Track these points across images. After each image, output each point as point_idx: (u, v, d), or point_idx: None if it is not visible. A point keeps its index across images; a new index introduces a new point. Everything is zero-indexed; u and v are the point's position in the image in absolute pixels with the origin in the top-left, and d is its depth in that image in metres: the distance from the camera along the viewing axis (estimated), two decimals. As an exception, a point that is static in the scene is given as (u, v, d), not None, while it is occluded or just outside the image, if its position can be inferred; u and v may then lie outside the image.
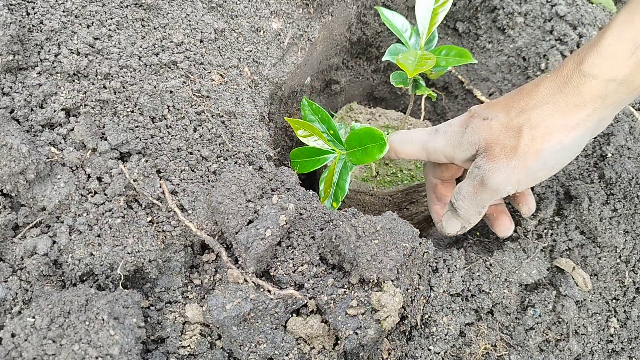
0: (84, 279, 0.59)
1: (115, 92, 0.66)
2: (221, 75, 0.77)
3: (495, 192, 0.61)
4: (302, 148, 0.79)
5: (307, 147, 0.78)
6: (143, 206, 0.62)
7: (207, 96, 0.73)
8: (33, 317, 0.51)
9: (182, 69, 0.73)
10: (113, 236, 0.59)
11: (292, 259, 0.63)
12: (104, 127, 0.63)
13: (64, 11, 0.68)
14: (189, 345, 0.59)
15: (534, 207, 0.72)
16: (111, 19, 0.71)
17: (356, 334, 0.56)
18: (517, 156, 0.59)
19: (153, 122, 0.67)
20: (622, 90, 0.55)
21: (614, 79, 0.54)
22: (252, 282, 0.60)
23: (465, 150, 0.64)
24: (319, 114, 0.78)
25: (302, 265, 0.62)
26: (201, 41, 0.78)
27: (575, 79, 0.56)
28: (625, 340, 0.72)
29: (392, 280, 0.58)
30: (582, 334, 0.70)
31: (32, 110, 0.61)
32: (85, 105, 0.64)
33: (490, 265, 0.70)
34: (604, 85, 0.55)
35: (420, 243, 0.64)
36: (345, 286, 0.60)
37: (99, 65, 0.66)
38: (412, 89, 0.84)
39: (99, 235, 0.59)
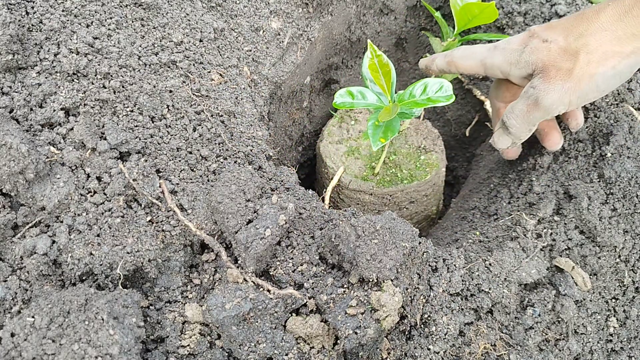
0: (84, 278, 0.59)
1: (114, 92, 0.66)
2: (221, 74, 0.77)
3: (548, 112, 0.65)
4: (351, 88, 0.77)
5: (358, 87, 0.77)
6: (142, 206, 0.62)
7: (207, 96, 0.73)
8: (33, 317, 0.51)
9: (181, 68, 0.73)
10: (112, 236, 0.59)
11: (292, 258, 0.63)
12: (103, 126, 0.63)
13: (63, 11, 0.68)
14: (188, 345, 0.59)
15: (582, 122, 0.76)
16: (110, 18, 0.70)
17: (356, 333, 0.56)
18: (572, 79, 0.62)
19: (152, 122, 0.67)
20: None
21: None
22: (252, 281, 0.60)
23: (521, 69, 0.67)
24: (384, 68, 0.76)
25: (301, 265, 0.62)
26: (201, 41, 0.78)
27: (636, 10, 0.59)
28: (625, 339, 0.72)
29: (391, 280, 0.58)
30: (581, 334, 0.70)
31: (31, 109, 0.61)
32: (84, 104, 0.64)
33: (490, 264, 0.70)
34: None
35: (419, 243, 0.64)
36: (345, 286, 0.60)
37: (99, 65, 0.66)
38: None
39: (98, 235, 0.59)
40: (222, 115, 0.73)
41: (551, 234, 0.74)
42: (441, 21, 0.90)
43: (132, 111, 0.66)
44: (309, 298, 0.60)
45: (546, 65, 0.64)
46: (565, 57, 0.63)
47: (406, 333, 0.64)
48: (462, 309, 0.67)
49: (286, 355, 0.58)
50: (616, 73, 0.62)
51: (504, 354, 0.66)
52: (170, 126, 0.68)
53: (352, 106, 0.75)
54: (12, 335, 0.50)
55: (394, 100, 0.76)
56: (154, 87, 0.69)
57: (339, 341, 0.57)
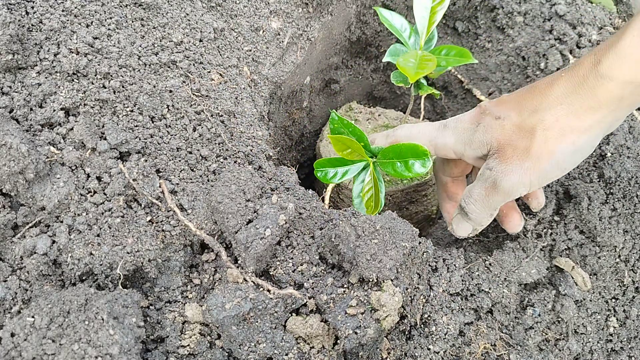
0: (84, 278, 0.59)
1: (114, 92, 0.66)
2: (220, 74, 0.77)
3: (508, 195, 0.61)
4: (330, 158, 0.77)
5: (335, 157, 0.76)
6: (142, 206, 0.62)
7: (207, 95, 0.73)
8: (32, 317, 0.51)
9: (181, 68, 0.73)
10: (112, 236, 0.59)
11: (292, 258, 0.63)
12: (103, 126, 0.63)
13: (63, 10, 0.68)
14: (188, 345, 0.59)
15: (543, 201, 0.72)
16: (110, 18, 0.70)
17: (356, 333, 0.56)
18: (530, 158, 0.58)
19: (152, 122, 0.67)
20: (639, 92, 0.54)
21: (631, 81, 0.53)
22: (252, 281, 0.60)
23: (476, 149, 0.63)
24: (349, 128, 0.76)
25: (301, 265, 0.62)
26: (200, 40, 0.78)
27: (591, 80, 0.55)
28: (625, 339, 0.72)
29: (391, 280, 0.58)
30: (581, 334, 0.70)
31: (31, 109, 0.61)
32: (84, 104, 0.64)
33: (490, 264, 0.70)
34: (622, 88, 0.54)
35: (419, 242, 0.64)
36: (345, 286, 0.60)
37: (99, 65, 0.66)
38: (414, 89, 0.83)
39: (98, 235, 0.59)
40: (222, 115, 0.73)
41: (551, 234, 0.74)
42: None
43: (132, 111, 0.66)
44: (309, 298, 0.60)
45: (502, 144, 0.60)
46: (520, 134, 0.59)
47: (406, 333, 0.64)
48: (462, 309, 0.67)
49: (286, 355, 0.58)
50: (576, 149, 0.57)
51: (504, 354, 0.66)
52: (170, 126, 0.68)
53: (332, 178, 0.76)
54: (12, 335, 0.50)
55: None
56: (154, 87, 0.69)
57: (339, 341, 0.57)
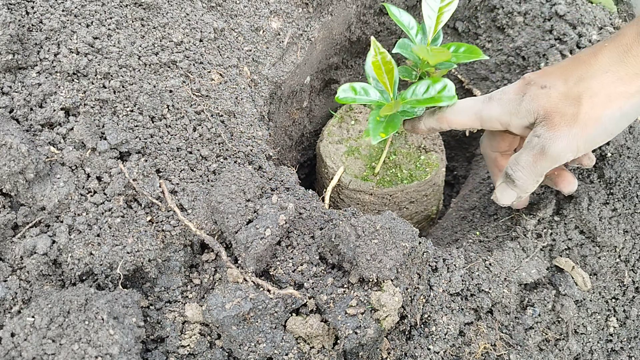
0: (84, 278, 0.59)
1: (114, 92, 0.66)
2: (221, 74, 0.77)
3: (556, 160, 0.62)
4: (354, 84, 0.76)
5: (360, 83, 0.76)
6: (142, 206, 0.62)
7: (207, 95, 0.73)
8: (33, 317, 0.51)
9: (181, 68, 0.73)
10: (113, 236, 0.59)
11: (292, 258, 0.63)
12: (103, 126, 0.63)
13: (63, 10, 0.68)
14: (188, 345, 0.59)
15: (594, 159, 0.73)
16: (110, 18, 0.70)
17: (356, 333, 0.56)
18: (577, 124, 0.60)
19: (152, 122, 0.67)
20: None
21: None
22: (252, 281, 0.60)
23: (523, 118, 0.65)
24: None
25: (301, 265, 0.62)
26: (201, 40, 0.78)
27: (636, 49, 0.58)
28: (625, 339, 0.72)
29: (391, 280, 0.58)
30: (581, 334, 0.70)
31: (31, 109, 0.61)
32: (84, 104, 0.64)
33: (490, 264, 0.70)
34: None
35: (419, 242, 0.64)
36: (345, 286, 0.60)
37: (99, 65, 0.66)
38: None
39: (98, 235, 0.59)
40: (222, 115, 0.73)
41: (551, 234, 0.74)
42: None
43: (132, 111, 0.66)
44: (309, 298, 0.60)
45: (549, 112, 0.62)
46: (567, 102, 0.61)
47: (406, 333, 0.64)
48: (462, 309, 0.67)
49: (286, 355, 0.58)
50: (623, 114, 0.59)
51: (504, 354, 0.66)
52: (170, 126, 0.68)
53: (354, 101, 0.75)
54: (12, 335, 0.50)
55: (396, 98, 0.76)
56: (154, 87, 0.69)
57: (339, 341, 0.57)
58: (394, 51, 0.80)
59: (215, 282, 0.64)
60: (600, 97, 0.59)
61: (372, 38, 0.74)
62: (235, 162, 0.71)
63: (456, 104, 0.72)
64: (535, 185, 0.66)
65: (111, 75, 0.66)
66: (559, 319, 0.69)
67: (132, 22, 0.72)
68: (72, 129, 0.62)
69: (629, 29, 0.59)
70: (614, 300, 0.73)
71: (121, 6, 0.72)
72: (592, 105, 0.59)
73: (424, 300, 0.65)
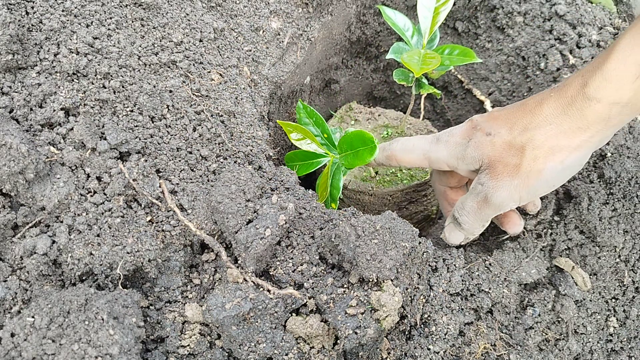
0: (84, 278, 0.59)
1: (114, 92, 0.66)
2: (220, 74, 0.77)
3: (499, 208, 0.63)
4: (297, 151, 0.79)
5: (301, 150, 0.78)
6: (142, 206, 0.62)
7: (207, 95, 0.73)
8: (32, 317, 0.51)
9: (181, 68, 0.73)
10: (112, 236, 0.59)
11: (292, 258, 0.63)
12: (103, 126, 0.63)
13: (63, 10, 0.68)
14: (188, 345, 0.59)
15: (539, 204, 0.74)
16: (110, 18, 0.70)
17: (356, 333, 0.56)
18: (519, 175, 0.60)
19: (152, 122, 0.67)
20: (625, 112, 0.56)
21: (617, 102, 0.55)
22: (252, 281, 0.60)
23: (468, 164, 0.66)
24: (313, 117, 0.78)
25: (301, 265, 0.62)
26: (200, 40, 0.78)
27: (579, 102, 0.57)
28: (625, 339, 0.72)
29: (391, 280, 0.58)
30: (581, 334, 0.70)
31: (31, 109, 0.61)
32: (84, 104, 0.64)
33: (490, 264, 0.70)
34: (608, 109, 0.55)
35: (419, 242, 0.64)
36: (345, 286, 0.60)
37: (99, 65, 0.66)
38: (415, 88, 0.84)
39: (98, 235, 0.59)
40: (222, 115, 0.73)
41: (551, 234, 0.74)
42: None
43: (132, 111, 0.66)
44: (309, 298, 0.60)
45: (492, 160, 0.62)
46: (511, 152, 0.61)
47: (406, 333, 0.64)
48: (462, 309, 0.67)
49: (286, 355, 0.58)
50: (565, 167, 0.59)
51: (504, 354, 0.66)
52: (170, 126, 0.68)
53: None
54: (12, 335, 0.50)
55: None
56: (154, 87, 0.69)
57: (339, 341, 0.57)
58: (387, 57, 0.80)
59: (215, 282, 0.64)
60: (543, 149, 0.59)
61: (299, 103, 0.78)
62: (235, 162, 0.71)
63: (405, 142, 0.73)
64: (482, 229, 0.68)
65: (111, 75, 0.66)
66: (559, 319, 0.69)
67: (132, 22, 0.72)
68: (72, 129, 0.62)
69: (574, 79, 0.58)
70: (614, 300, 0.73)
71: (121, 6, 0.72)
72: (534, 157, 0.59)
73: (424, 300, 0.65)
